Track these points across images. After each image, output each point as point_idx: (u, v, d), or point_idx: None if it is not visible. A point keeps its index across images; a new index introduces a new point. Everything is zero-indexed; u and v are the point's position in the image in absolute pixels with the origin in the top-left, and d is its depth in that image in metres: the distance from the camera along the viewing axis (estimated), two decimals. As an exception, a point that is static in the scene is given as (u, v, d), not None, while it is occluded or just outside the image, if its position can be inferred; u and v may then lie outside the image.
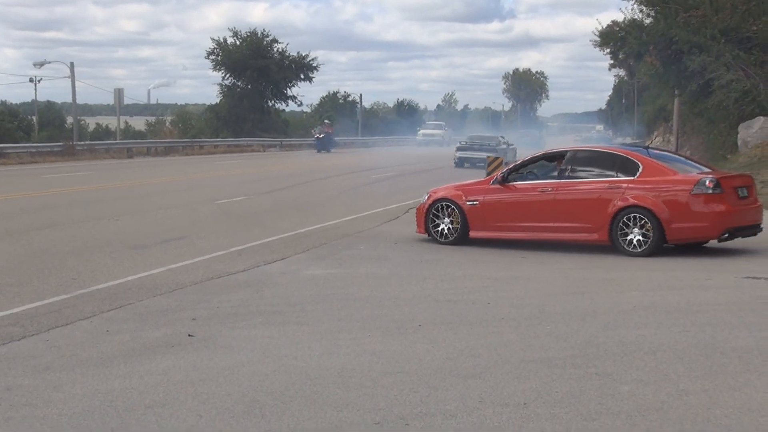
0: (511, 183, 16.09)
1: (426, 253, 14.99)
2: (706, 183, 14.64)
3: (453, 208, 16.28)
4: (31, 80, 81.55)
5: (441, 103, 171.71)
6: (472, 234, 16.23)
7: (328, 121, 73.11)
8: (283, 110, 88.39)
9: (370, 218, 20.60)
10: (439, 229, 16.41)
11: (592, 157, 16.03)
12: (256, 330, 9.19)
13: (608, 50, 41.87)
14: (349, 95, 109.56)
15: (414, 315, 9.85)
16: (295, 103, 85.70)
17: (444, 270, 13.23)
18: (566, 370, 7.39)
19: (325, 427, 6.13)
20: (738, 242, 15.36)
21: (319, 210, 22.35)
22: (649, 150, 16.53)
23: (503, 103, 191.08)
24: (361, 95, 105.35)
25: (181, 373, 7.51)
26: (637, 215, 14.61)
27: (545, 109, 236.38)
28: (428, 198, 16.78)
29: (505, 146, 47.05)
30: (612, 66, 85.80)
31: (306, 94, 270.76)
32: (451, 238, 16.22)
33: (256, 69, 78.75)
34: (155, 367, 7.73)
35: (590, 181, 15.41)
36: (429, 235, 16.47)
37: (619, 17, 41.12)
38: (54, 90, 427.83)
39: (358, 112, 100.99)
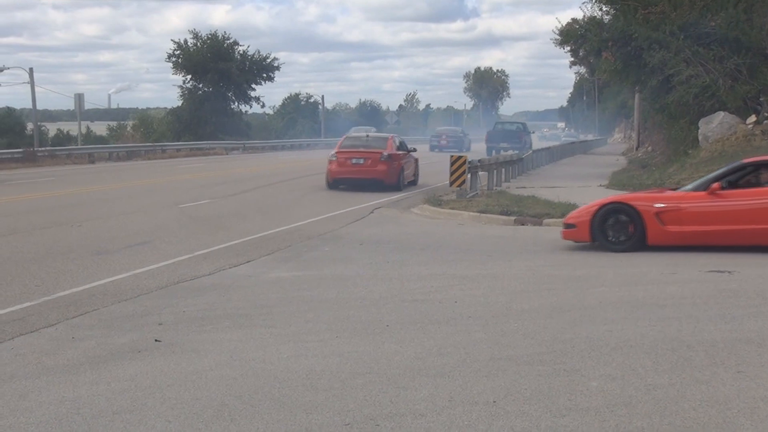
0: None
1: (392, 254, 14.99)
2: (333, 153, 30.10)
3: None
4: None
5: (403, 103, 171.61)
6: None
7: None
8: (246, 111, 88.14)
9: (334, 219, 20.58)
10: None
11: None
12: (223, 333, 9.15)
13: (569, 48, 42.11)
14: (311, 96, 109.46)
15: (381, 315, 9.84)
16: (258, 104, 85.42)
17: (410, 270, 13.23)
18: (534, 367, 7.40)
19: (295, 429, 6.11)
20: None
21: (283, 212, 22.29)
22: (368, 136, 32.64)
23: (465, 102, 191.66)
24: (323, 96, 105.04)
25: (148, 378, 7.45)
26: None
27: (507, 107, 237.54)
28: None
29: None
30: (573, 63, 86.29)
31: (268, 96, 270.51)
32: None
33: (218, 71, 78.45)
34: (122, 373, 7.67)
35: None
36: None
37: (580, 15, 41.36)
38: (14, 96, 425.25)
39: (320, 114, 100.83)
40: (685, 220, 14.50)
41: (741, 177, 14.80)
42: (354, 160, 29.31)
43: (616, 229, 14.81)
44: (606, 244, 14.83)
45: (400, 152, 30.86)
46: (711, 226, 14.40)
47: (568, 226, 15.43)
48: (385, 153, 29.66)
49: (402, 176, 30.41)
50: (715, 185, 14.52)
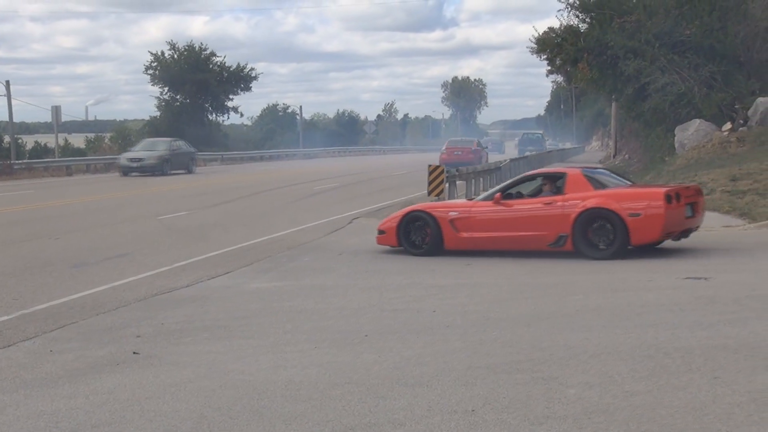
0: None
1: (371, 263, 15.01)
2: (443, 148, 56.86)
3: None
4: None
5: (381, 113, 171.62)
6: None
7: None
8: (224, 121, 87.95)
9: (313, 230, 20.57)
10: None
11: None
12: (202, 345, 9.14)
13: (545, 57, 42.22)
14: (288, 107, 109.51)
15: (360, 325, 9.85)
16: (236, 113, 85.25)
17: (389, 279, 13.25)
18: (512, 376, 7.43)
19: (274, 440, 6.11)
20: (679, 244, 15.55)
21: (262, 223, 22.28)
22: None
23: (443, 112, 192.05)
24: (301, 107, 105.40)
25: (127, 391, 7.44)
26: None
27: (485, 116, 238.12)
28: None
29: None
30: (549, 72, 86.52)
31: (247, 107, 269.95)
32: None
33: (195, 83, 78.26)
34: (101, 386, 7.65)
35: None
36: None
37: (557, 24, 41.48)
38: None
39: (298, 124, 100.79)
40: (474, 227, 15.68)
41: (529, 188, 16.11)
42: (456, 152, 54.57)
43: (419, 235, 16.02)
44: (410, 249, 16.00)
45: (479, 148, 57.36)
46: (494, 232, 15.53)
47: (380, 232, 16.61)
48: (473, 147, 56.40)
49: (480, 161, 50.54)
50: (498, 195, 15.70)
